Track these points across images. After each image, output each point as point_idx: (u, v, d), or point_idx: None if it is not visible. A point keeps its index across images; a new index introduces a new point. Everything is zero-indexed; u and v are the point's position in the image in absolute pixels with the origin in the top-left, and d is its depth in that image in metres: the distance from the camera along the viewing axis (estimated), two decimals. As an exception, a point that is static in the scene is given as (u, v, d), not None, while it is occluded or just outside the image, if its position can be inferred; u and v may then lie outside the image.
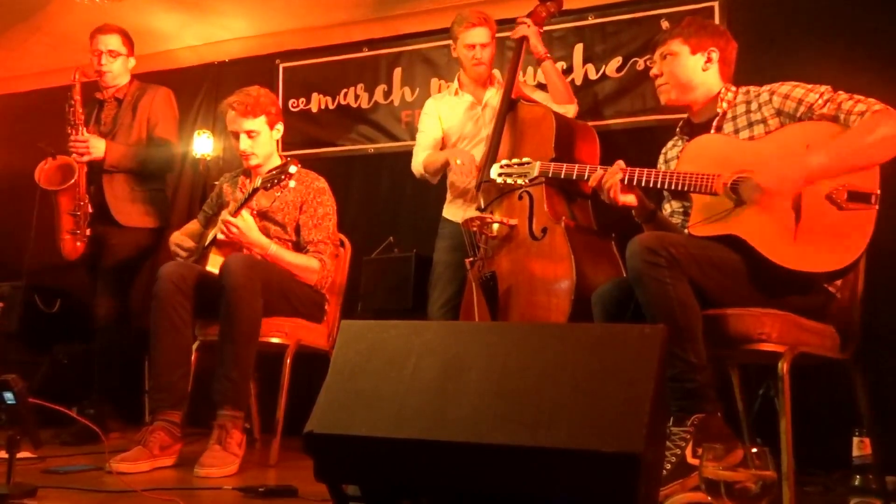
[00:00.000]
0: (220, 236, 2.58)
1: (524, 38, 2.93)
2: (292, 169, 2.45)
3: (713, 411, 1.78)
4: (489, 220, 2.61)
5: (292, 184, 2.62)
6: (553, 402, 1.26)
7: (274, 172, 2.49)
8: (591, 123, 3.50)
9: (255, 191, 2.54)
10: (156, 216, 3.25)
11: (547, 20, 3.03)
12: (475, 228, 2.66)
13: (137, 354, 3.56)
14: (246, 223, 2.54)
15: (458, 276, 2.88)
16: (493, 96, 3.06)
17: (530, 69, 3.58)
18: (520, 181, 2.24)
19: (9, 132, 4.92)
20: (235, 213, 2.54)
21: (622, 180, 2.02)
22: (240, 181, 2.85)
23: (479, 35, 3.00)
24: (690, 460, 1.69)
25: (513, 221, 2.60)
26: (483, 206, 2.73)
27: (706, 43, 2.12)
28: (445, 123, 3.10)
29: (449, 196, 3.14)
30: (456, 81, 3.18)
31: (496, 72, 3.19)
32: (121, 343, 3.17)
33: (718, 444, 1.67)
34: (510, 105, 2.81)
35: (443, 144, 3.13)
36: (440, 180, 3.18)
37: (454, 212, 3.08)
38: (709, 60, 2.12)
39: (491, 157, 2.69)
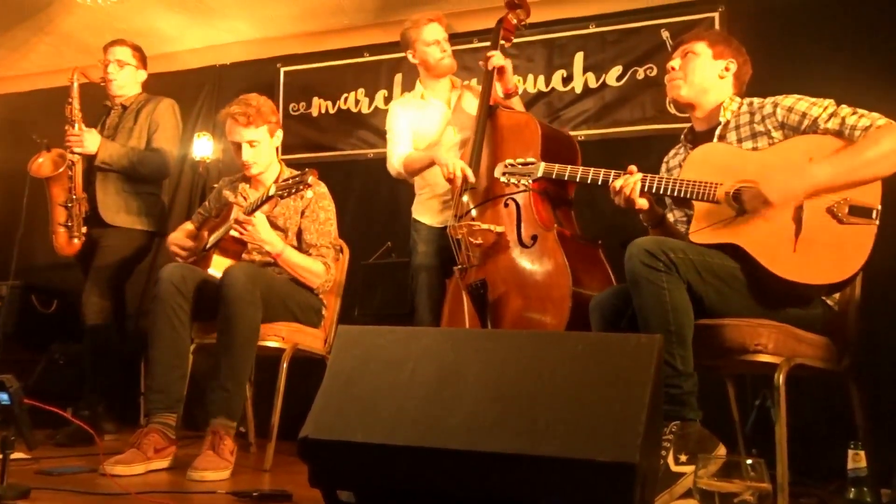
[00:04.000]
0: (234, 232, 2.56)
1: (500, 69, 2.83)
2: (311, 180, 2.44)
3: (693, 419, 1.78)
4: (477, 227, 2.59)
5: (309, 193, 2.62)
6: (549, 410, 1.26)
7: (291, 181, 2.47)
8: (590, 131, 3.53)
9: (270, 198, 2.52)
10: (145, 219, 3.25)
11: (518, 29, 2.99)
12: (461, 235, 2.64)
13: (132, 355, 3.57)
14: (261, 223, 2.54)
15: (443, 281, 2.85)
16: (463, 99, 3.02)
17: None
18: (524, 181, 2.25)
19: (10, 132, 4.92)
20: (250, 214, 2.54)
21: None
22: (240, 187, 2.85)
23: (439, 30, 2.99)
24: (674, 468, 1.69)
25: (499, 228, 2.58)
26: (464, 213, 2.70)
27: (727, 53, 2.16)
28: (413, 126, 3.05)
29: (423, 196, 3.07)
30: (419, 86, 3.11)
31: (455, 78, 3.15)
32: (110, 343, 3.16)
33: (699, 447, 1.69)
34: (489, 111, 2.79)
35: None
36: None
37: (429, 214, 3.02)
38: (726, 70, 2.16)
39: (475, 163, 2.67)
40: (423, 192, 3.08)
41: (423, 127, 3.04)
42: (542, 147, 2.59)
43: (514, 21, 2.96)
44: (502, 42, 2.93)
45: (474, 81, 3.18)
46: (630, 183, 2.04)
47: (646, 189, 2.04)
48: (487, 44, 3.01)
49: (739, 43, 2.22)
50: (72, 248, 3.17)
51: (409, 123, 3.05)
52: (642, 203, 2.07)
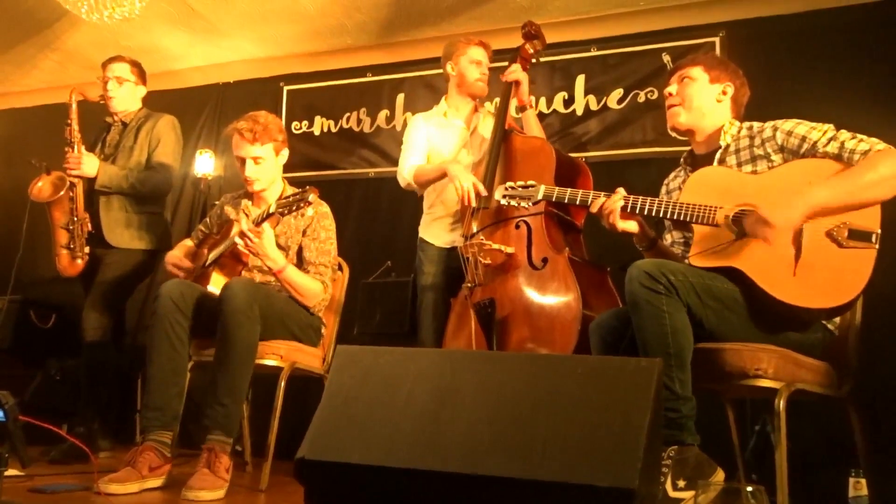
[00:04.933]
0: (239, 242, 2.54)
1: (517, 83, 2.92)
2: (311, 198, 2.44)
3: (691, 443, 1.77)
4: (487, 246, 2.60)
5: (310, 211, 2.63)
6: (547, 433, 1.25)
7: (291, 199, 2.47)
8: (591, 153, 3.55)
9: (271, 215, 2.52)
10: (149, 238, 3.26)
11: (535, 57, 3.04)
12: (471, 254, 2.64)
13: (129, 372, 3.55)
14: (268, 237, 2.53)
15: (448, 302, 2.84)
16: (481, 123, 3.06)
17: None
18: (524, 204, 2.25)
19: (14, 147, 4.94)
20: (258, 225, 2.53)
21: (624, 207, 2.05)
22: (242, 203, 2.85)
23: (484, 55, 3.06)
24: (672, 494, 1.68)
25: (509, 249, 2.59)
26: (474, 232, 2.71)
27: (724, 77, 2.18)
28: (431, 141, 3.07)
29: (432, 215, 3.07)
30: (444, 103, 3.14)
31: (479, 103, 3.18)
32: (107, 360, 3.15)
33: (698, 472, 1.67)
34: (503, 135, 2.81)
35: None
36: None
37: (437, 234, 3.02)
38: (723, 94, 2.17)
39: (487, 184, 2.69)
40: (432, 211, 3.08)
41: (440, 144, 3.06)
42: (555, 172, 2.60)
43: (531, 51, 3.01)
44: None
45: (493, 108, 3.20)
46: (608, 206, 2.05)
47: (645, 212, 2.04)
48: (500, 64, 3.07)
49: (736, 66, 2.23)
50: (75, 269, 3.17)
51: (427, 137, 3.08)
52: (628, 226, 2.07)
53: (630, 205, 2.05)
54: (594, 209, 2.09)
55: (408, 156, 3.06)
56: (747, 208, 1.94)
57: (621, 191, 2.08)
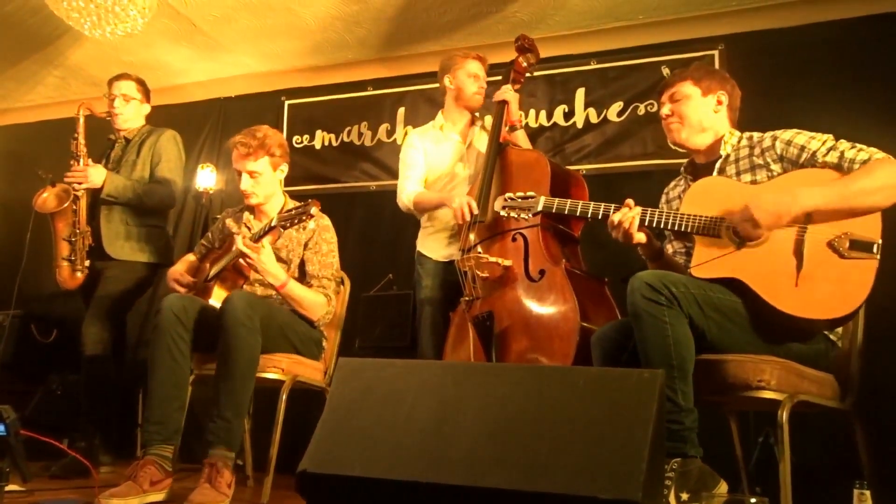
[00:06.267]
0: (242, 257, 2.56)
1: (505, 102, 2.93)
2: (314, 211, 2.45)
3: (694, 455, 1.77)
4: (484, 259, 2.60)
5: (311, 224, 2.64)
6: (550, 446, 1.25)
7: (293, 212, 2.48)
8: (591, 166, 3.56)
9: (272, 228, 2.53)
10: (150, 252, 3.27)
11: (529, 71, 3.05)
12: (468, 268, 2.64)
13: (130, 387, 3.55)
14: (267, 252, 2.54)
15: (447, 316, 2.85)
16: (477, 136, 3.08)
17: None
18: (524, 215, 2.26)
19: (17, 162, 4.96)
20: (257, 241, 2.54)
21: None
22: (244, 217, 2.86)
23: (481, 69, 3.07)
24: None
25: (506, 262, 2.59)
26: (472, 246, 2.71)
27: (715, 87, 2.18)
28: (428, 157, 3.09)
29: (429, 229, 3.08)
30: (440, 117, 3.16)
31: (476, 116, 3.20)
32: (108, 374, 3.15)
33: (701, 484, 1.67)
34: (498, 149, 2.83)
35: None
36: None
37: (435, 248, 3.03)
38: (719, 103, 2.17)
39: (483, 198, 2.70)
40: (428, 226, 3.09)
41: (437, 159, 3.08)
42: (550, 185, 2.61)
43: (525, 64, 3.03)
44: (512, 84, 3.00)
45: (488, 120, 3.22)
46: (628, 217, 2.05)
47: (646, 224, 2.05)
48: (497, 78, 3.08)
49: (723, 72, 2.23)
50: (75, 282, 3.18)
51: (423, 154, 3.09)
52: (640, 237, 2.08)
53: (643, 218, 2.05)
54: (615, 219, 2.07)
55: (406, 180, 3.07)
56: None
57: (630, 202, 2.08)
